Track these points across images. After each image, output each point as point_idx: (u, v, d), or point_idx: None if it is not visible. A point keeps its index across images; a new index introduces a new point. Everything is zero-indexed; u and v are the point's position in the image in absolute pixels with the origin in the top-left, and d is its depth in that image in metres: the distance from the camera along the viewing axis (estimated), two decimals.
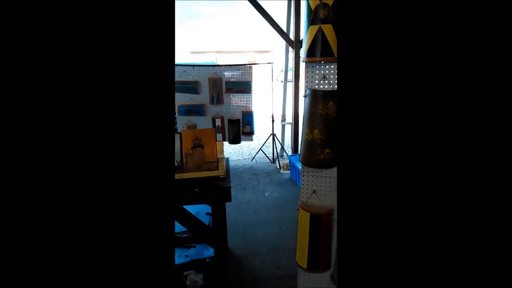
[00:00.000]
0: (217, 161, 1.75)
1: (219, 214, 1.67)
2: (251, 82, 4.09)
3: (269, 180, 3.72)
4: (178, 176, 1.69)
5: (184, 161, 1.72)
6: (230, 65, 4.02)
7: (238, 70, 4.02)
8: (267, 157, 4.44)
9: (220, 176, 1.72)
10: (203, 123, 4.22)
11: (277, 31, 3.79)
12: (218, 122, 4.29)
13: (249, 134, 4.40)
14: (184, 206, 1.77)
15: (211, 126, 4.28)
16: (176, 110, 4.12)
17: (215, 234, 1.69)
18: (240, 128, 4.32)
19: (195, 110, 4.13)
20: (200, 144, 1.77)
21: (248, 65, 4.02)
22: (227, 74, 4.07)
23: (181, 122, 4.17)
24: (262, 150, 4.47)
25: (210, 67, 4.01)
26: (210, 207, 2.16)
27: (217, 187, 1.62)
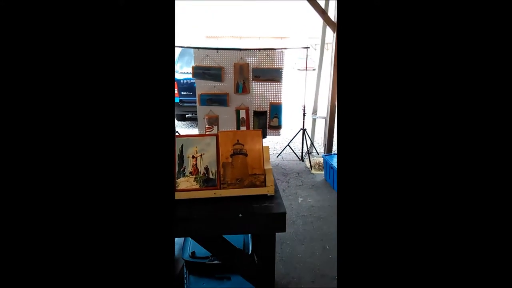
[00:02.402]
0: (264, 173, 1.33)
1: (267, 247, 1.26)
2: (281, 69, 3.60)
3: (300, 182, 3.29)
4: (214, 193, 1.27)
5: (221, 173, 1.30)
6: (259, 49, 3.54)
7: (267, 55, 3.54)
8: (295, 154, 4.00)
9: (268, 194, 1.30)
10: (226, 114, 3.78)
11: (316, 9, 3.26)
12: (242, 113, 3.84)
13: (277, 128, 3.94)
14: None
15: (234, 118, 3.85)
16: (197, 99, 3.70)
17: (260, 273, 1.28)
18: (266, 121, 3.87)
19: (218, 99, 3.69)
20: (242, 151, 1.34)
21: (280, 50, 3.53)
22: (255, 59, 3.59)
23: (202, 112, 3.75)
24: (289, 146, 4.03)
25: (236, 51, 3.54)
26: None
27: (266, 211, 1.20)
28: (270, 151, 4.33)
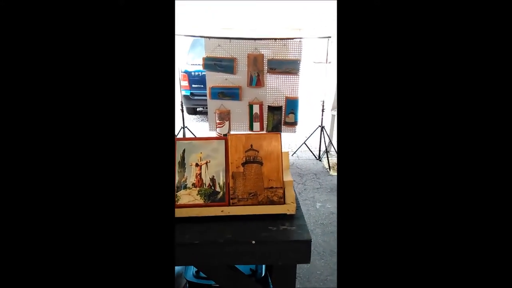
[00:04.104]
0: (283, 187, 1.08)
1: (286, 279, 1.01)
2: (299, 61, 3.31)
3: (318, 184, 3.02)
4: (221, 211, 1.03)
5: (230, 186, 1.06)
6: (275, 39, 3.26)
7: (284, 45, 3.25)
8: (312, 153, 3.72)
9: (288, 214, 1.05)
10: (238, 109, 3.54)
11: None
12: (256, 108, 3.59)
13: (292, 124, 3.67)
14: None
15: (247, 113, 3.60)
16: (207, 93, 3.46)
17: None
18: (281, 117, 3.60)
19: (230, 93, 3.44)
20: (257, 159, 1.09)
21: (298, 39, 3.24)
22: (270, 50, 3.31)
23: (213, 107, 3.52)
24: (306, 144, 3.75)
25: (250, 41, 3.26)
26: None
27: (286, 236, 0.95)
28: (284, 148, 4.07)
